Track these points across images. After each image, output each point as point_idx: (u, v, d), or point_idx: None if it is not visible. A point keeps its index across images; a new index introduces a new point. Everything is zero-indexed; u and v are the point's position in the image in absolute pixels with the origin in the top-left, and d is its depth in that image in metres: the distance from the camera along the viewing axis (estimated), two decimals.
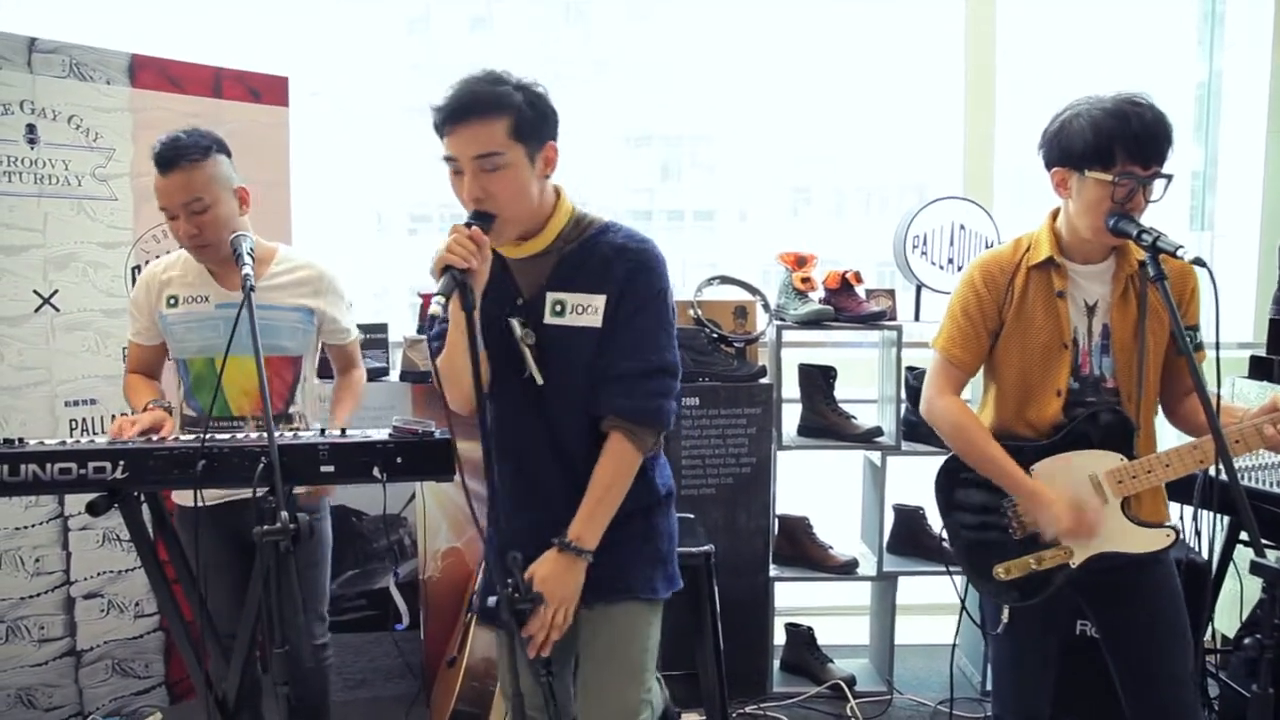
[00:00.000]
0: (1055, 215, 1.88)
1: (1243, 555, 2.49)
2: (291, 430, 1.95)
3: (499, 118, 1.48)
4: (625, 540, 1.65)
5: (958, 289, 1.93)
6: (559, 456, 1.64)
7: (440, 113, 1.50)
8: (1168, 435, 1.90)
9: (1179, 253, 1.64)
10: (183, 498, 2.16)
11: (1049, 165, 1.81)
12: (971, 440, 1.86)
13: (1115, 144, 1.68)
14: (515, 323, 1.60)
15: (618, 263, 1.59)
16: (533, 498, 1.66)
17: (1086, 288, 1.83)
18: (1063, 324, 1.82)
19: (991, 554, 1.88)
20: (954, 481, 1.95)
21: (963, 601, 2.07)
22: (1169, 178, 1.72)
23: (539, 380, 1.59)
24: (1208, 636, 2.42)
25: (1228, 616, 2.72)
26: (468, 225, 1.48)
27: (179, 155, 1.99)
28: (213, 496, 2.05)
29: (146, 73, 2.64)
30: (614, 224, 1.64)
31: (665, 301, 1.62)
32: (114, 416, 2.61)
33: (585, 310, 1.59)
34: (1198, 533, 2.51)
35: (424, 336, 2.89)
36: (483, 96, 1.48)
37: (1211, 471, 1.93)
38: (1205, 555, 2.46)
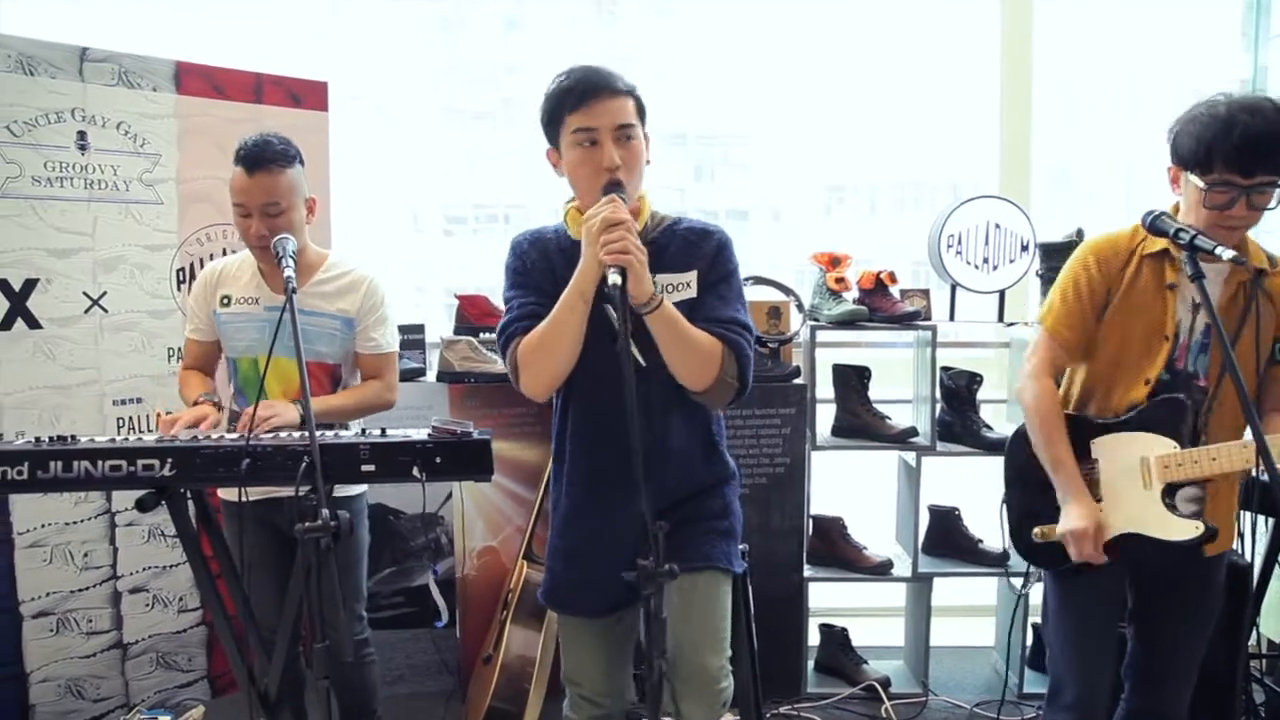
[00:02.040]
0: (1176, 209, 1.86)
1: None
2: (333, 431, 1.99)
3: (627, 97, 1.66)
4: (706, 515, 1.76)
5: (1069, 267, 1.92)
6: (654, 437, 1.70)
7: (574, 91, 1.63)
8: None
9: (1217, 251, 1.64)
10: (227, 492, 2.20)
11: (1171, 159, 1.81)
12: (1048, 435, 1.88)
13: (1214, 152, 1.68)
14: (611, 310, 1.62)
15: (704, 242, 1.73)
16: (629, 480, 1.66)
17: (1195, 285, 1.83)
18: (1168, 315, 1.82)
19: (1036, 517, 1.93)
20: (1023, 448, 1.97)
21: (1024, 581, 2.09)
22: None
23: (642, 363, 1.63)
24: (1252, 641, 2.37)
25: (1274, 620, 2.67)
26: (608, 196, 1.59)
27: (268, 158, 2.07)
28: (255, 492, 2.10)
29: (191, 79, 2.70)
30: (685, 217, 1.80)
31: (739, 275, 1.77)
32: (159, 415, 2.68)
33: (679, 288, 1.71)
34: (1240, 534, 2.47)
35: (461, 338, 2.94)
36: (612, 77, 1.65)
37: (1254, 473, 1.91)
38: (1248, 557, 2.42)
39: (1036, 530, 1.92)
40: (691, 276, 1.71)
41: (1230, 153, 1.66)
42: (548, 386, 1.70)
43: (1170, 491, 1.82)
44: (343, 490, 2.22)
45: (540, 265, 1.74)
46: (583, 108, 1.63)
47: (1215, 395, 1.82)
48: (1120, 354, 1.87)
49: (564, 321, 1.62)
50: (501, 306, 3.05)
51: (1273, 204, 1.72)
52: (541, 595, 1.87)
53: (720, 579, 1.75)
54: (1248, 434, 1.89)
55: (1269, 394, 1.86)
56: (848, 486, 3.55)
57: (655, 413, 1.71)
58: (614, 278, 1.49)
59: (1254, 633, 2.35)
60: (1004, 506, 2.03)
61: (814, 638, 3.18)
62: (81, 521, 2.62)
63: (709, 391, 1.66)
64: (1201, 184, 1.71)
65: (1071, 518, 1.83)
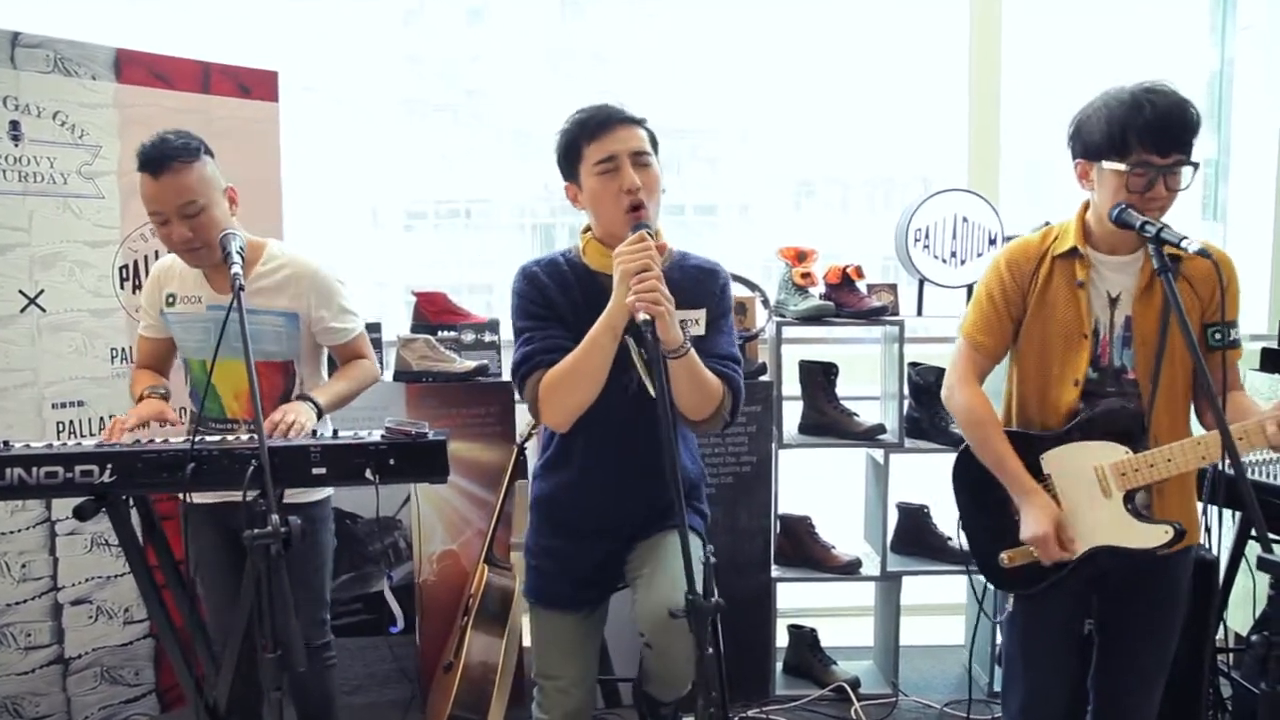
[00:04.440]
0: (1086, 206, 1.86)
1: (1255, 551, 2.44)
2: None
3: (640, 126, 1.78)
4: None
5: (984, 275, 1.95)
6: (660, 459, 1.77)
7: (590, 121, 1.74)
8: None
9: (1183, 244, 1.64)
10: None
11: (1073, 157, 1.81)
12: (984, 435, 1.89)
13: (1129, 133, 1.68)
14: (630, 340, 1.74)
15: (711, 281, 1.88)
16: (639, 494, 1.85)
17: (1111, 279, 1.83)
18: (1082, 314, 1.82)
19: (999, 541, 1.90)
20: (970, 468, 1.96)
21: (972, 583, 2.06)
22: (1195, 165, 1.71)
23: (653, 393, 1.66)
24: (1220, 634, 2.37)
25: (1241, 613, 2.67)
26: (636, 233, 1.69)
27: (170, 156, 1.94)
28: (210, 494, 2.02)
29: (132, 68, 2.59)
30: (686, 252, 1.91)
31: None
32: (103, 420, 2.57)
33: (691, 324, 1.81)
34: (1207, 529, 2.47)
35: (419, 336, 2.85)
36: (624, 108, 1.76)
37: (1219, 466, 1.90)
38: (1215, 551, 2.42)
39: (1004, 556, 1.88)
40: (701, 314, 1.83)
41: (1144, 130, 1.66)
42: (569, 419, 1.78)
43: (1130, 497, 1.80)
44: (306, 495, 2.15)
45: (560, 298, 1.81)
46: (601, 137, 1.72)
47: (1156, 389, 1.79)
48: (1044, 357, 1.87)
49: (592, 359, 1.72)
50: (461, 306, 3.01)
51: (1184, 185, 1.72)
52: (529, 592, 1.97)
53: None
54: (1198, 429, 1.88)
55: (1217, 380, 1.81)
56: (815, 485, 3.52)
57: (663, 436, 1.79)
58: (643, 316, 1.59)
59: (1220, 626, 2.35)
60: (961, 532, 2.00)
61: (782, 639, 3.14)
62: (19, 531, 2.51)
63: (704, 422, 1.81)
64: (1123, 166, 1.69)
65: (1030, 524, 1.81)
